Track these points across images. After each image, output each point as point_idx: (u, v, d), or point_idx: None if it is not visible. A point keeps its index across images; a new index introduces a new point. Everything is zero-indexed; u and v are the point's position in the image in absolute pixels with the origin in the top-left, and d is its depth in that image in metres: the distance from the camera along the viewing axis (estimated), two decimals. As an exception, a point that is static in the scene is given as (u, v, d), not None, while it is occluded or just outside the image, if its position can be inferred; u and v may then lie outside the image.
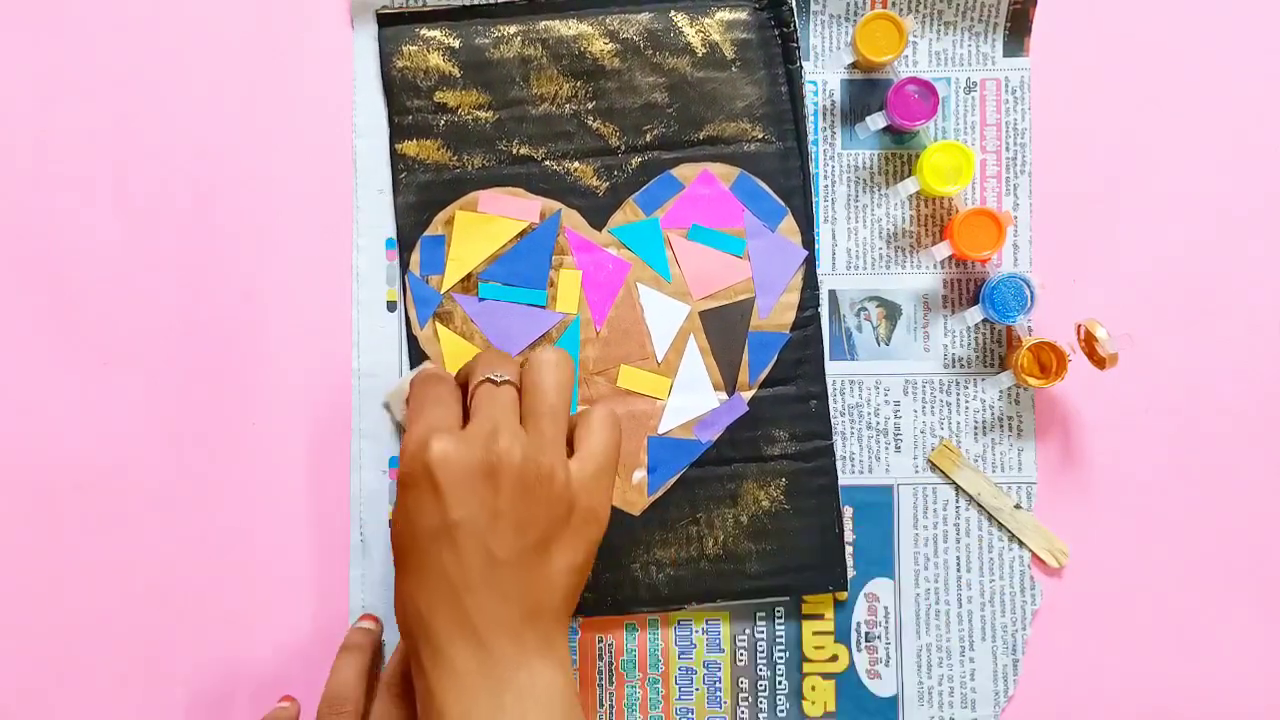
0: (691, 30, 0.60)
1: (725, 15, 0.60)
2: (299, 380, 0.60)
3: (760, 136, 0.60)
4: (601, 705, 0.60)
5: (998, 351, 0.60)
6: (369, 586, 0.60)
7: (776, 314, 0.60)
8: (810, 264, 0.60)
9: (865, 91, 0.60)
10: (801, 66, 0.60)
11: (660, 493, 0.60)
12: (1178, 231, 0.60)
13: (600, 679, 0.60)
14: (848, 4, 0.60)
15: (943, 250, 0.58)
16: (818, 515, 0.59)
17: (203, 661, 0.60)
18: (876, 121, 0.58)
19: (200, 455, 0.60)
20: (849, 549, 0.60)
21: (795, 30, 0.60)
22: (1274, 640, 0.60)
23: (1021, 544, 0.60)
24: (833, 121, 0.60)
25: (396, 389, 0.59)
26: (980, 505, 0.60)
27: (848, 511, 0.60)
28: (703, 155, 0.60)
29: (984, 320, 0.59)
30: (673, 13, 0.60)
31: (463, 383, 0.52)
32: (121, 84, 0.61)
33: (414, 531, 0.48)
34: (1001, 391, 0.60)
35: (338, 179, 0.61)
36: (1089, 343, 0.57)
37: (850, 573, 0.60)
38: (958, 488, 0.60)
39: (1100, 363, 0.56)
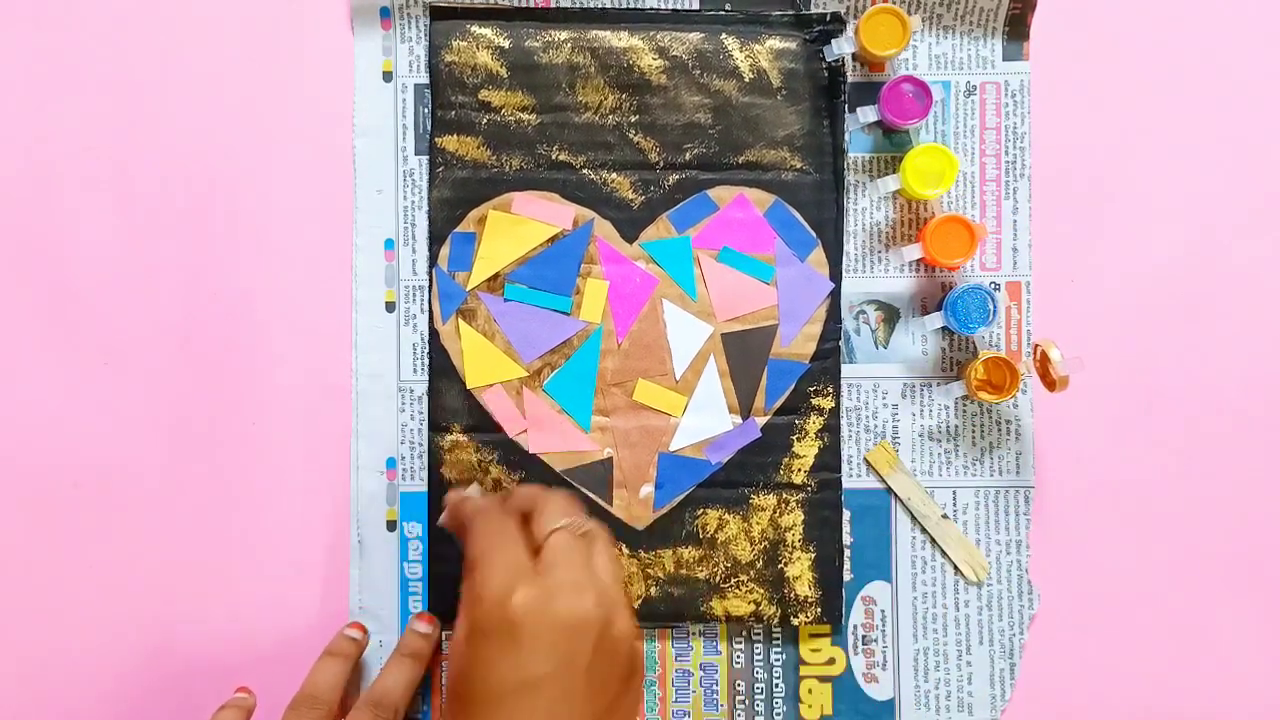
0: (741, 55, 0.60)
1: (775, 44, 0.60)
2: (298, 381, 0.60)
3: (799, 166, 0.60)
4: (598, 707, 0.60)
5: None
6: (367, 587, 0.60)
7: (798, 343, 0.60)
8: (835, 297, 0.60)
9: (865, 93, 0.60)
10: (846, 102, 0.60)
11: (666, 509, 0.60)
12: (1176, 233, 0.60)
13: (597, 681, 0.60)
14: (847, 6, 0.60)
15: (913, 252, 0.58)
16: (820, 547, 0.59)
17: (201, 661, 0.60)
18: (867, 114, 0.58)
19: (199, 455, 0.60)
20: (846, 552, 0.60)
21: (844, 65, 0.60)
22: (1274, 640, 0.60)
23: (944, 554, 0.60)
24: (832, 124, 0.61)
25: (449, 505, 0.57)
26: (909, 510, 0.60)
27: (846, 515, 0.60)
28: (740, 179, 0.60)
29: (943, 328, 0.59)
30: (724, 36, 0.60)
31: (516, 515, 0.51)
32: (122, 84, 0.60)
33: (488, 683, 0.46)
34: (956, 400, 0.60)
35: (337, 179, 0.61)
36: (1043, 363, 0.56)
37: (847, 576, 0.60)
38: (890, 490, 0.60)
39: (1051, 384, 0.56)
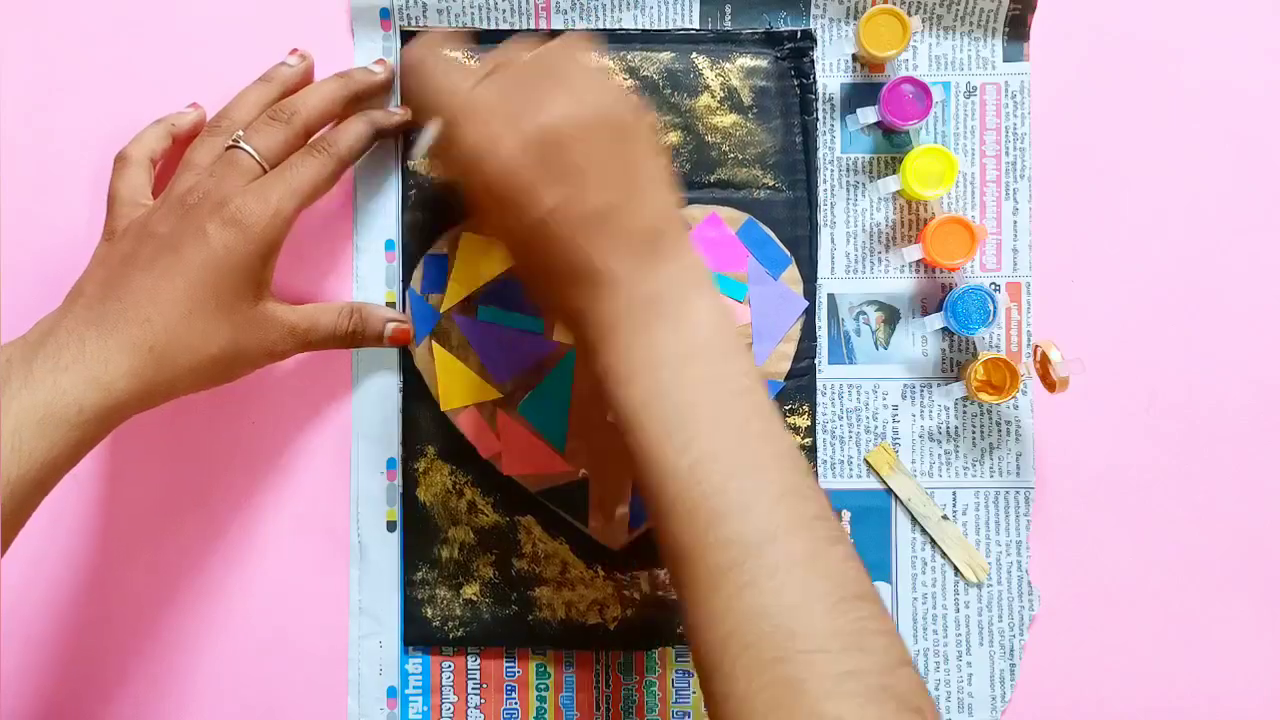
0: (712, 74, 0.59)
1: (746, 62, 0.60)
2: (298, 380, 0.60)
3: (771, 184, 0.60)
4: (598, 708, 0.60)
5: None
6: (367, 587, 0.60)
7: (772, 362, 0.59)
8: (810, 315, 0.60)
9: (865, 95, 0.60)
10: (818, 118, 0.60)
11: (642, 529, 0.60)
12: (1176, 234, 0.60)
13: (597, 681, 0.60)
14: (847, 7, 0.60)
15: (913, 253, 0.58)
16: None
17: (200, 662, 0.60)
18: (868, 115, 0.58)
19: (199, 455, 0.60)
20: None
21: (814, 82, 0.60)
22: (1274, 640, 0.60)
23: (944, 555, 0.60)
24: (832, 125, 0.60)
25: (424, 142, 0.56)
26: (909, 511, 0.60)
27: (845, 515, 0.60)
28: (712, 198, 0.60)
29: (944, 329, 0.59)
30: (694, 55, 0.60)
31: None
32: (122, 84, 0.61)
33: (511, 233, 0.49)
34: (956, 400, 0.60)
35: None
36: (1043, 364, 0.57)
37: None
38: (892, 492, 0.60)
39: (1051, 386, 0.56)
